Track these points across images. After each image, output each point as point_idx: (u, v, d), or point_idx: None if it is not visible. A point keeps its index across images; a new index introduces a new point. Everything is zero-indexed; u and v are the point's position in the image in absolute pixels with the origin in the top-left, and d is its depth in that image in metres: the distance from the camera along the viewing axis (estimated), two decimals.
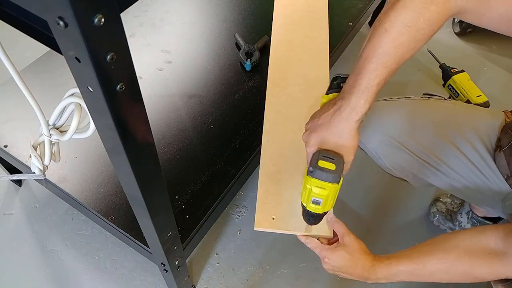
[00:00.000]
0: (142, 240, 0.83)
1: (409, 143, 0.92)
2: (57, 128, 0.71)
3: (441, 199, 1.28)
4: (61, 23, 0.31)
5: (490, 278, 0.72)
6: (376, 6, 1.48)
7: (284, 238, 1.21)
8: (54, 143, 0.76)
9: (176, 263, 0.85)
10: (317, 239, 0.79)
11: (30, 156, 0.77)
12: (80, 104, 0.66)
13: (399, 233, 1.22)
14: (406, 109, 0.95)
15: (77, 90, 0.66)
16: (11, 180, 1.28)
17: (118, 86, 0.38)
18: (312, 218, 0.71)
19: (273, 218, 0.82)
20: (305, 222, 0.75)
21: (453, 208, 1.25)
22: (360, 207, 1.28)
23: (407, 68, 1.65)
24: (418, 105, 0.96)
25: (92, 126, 0.67)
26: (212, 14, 1.26)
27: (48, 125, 0.71)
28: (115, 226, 0.86)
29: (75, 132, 0.68)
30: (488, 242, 0.71)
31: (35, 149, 0.76)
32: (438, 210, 1.25)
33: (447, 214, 1.24)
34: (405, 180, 1.05)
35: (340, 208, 1.27)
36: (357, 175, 1.32)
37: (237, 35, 1.19)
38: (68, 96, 0.66)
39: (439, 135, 0.91)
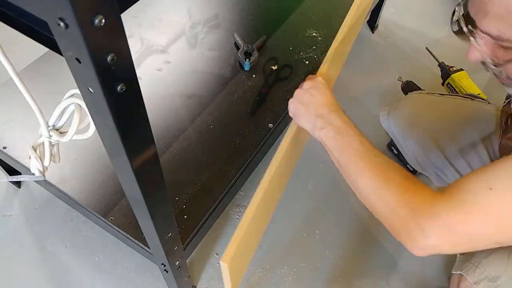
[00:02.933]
0: (142, 240, 0.83)
1: (446, 143, 0.92)
2: (57, 129, 0.71)
3: None
4: (62, 24, 0.31)
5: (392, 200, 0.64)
6: (375, 5, 1.48)
7: (284, 238, 1.21)
8: (53, 144, 0.76)
9: (177, 263, 0.85)
10: None
11: (29, 157, 0.76)
12: (80, 105, 0.66)
13: None
14: (449, 108, 0.95)
15: (77, 91, 0.66)
16: (10, 181, 1.28)
17: (119, 87, 0.38)
18: None
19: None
20: None
21: None
22: (359, 206, 1.28)
23: (406, 67, 1.65)
24: (461, 105, 0.96)
25: (92, 127, 0.67)
26: (211, 14, 1.26)
27: (48, 126, 0.71)
28: (115, 227, 0.86)
29: (75, 133, 0.68)
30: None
31: (35, 150, 0.75)
32: None
33: None
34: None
35: (340, 207, 1.27)
36: None
37: (235, 35, 1.18)
38: (68, 97, 0.66)
39: (478, 140, 0.91)
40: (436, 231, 0.54)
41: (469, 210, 0.54)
